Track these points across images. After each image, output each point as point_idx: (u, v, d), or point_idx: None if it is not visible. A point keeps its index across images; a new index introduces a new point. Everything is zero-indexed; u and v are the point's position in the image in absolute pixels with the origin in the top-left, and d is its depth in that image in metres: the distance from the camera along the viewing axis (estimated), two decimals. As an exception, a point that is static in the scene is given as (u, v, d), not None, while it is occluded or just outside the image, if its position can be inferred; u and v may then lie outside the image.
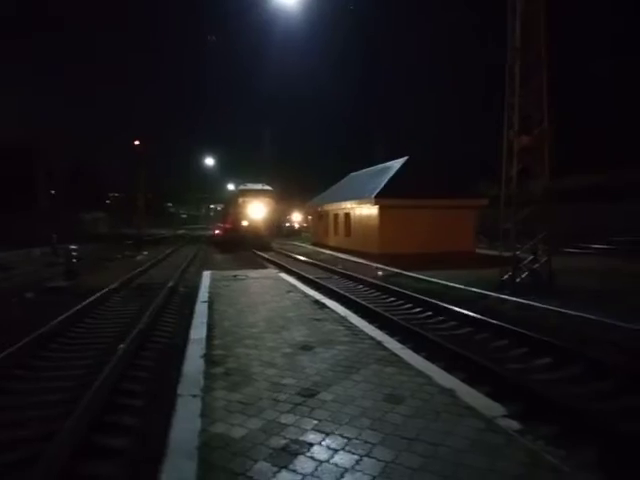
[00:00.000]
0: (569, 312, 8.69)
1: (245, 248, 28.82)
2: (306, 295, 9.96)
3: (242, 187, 34.92)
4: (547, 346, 6.90)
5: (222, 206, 53.54)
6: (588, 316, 8.27)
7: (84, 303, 10.39)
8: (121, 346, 7.01)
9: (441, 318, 9.42)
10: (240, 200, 33.26)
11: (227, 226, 35.56)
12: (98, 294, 11.62)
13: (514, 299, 10.33)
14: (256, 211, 32.68)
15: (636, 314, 8.06)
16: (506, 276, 11.52)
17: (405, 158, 25.69)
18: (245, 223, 32.30)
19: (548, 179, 11.45)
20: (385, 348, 5.74)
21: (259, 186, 34.48)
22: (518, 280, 11.41)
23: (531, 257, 11.67)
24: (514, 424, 3.60)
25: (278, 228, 42.10)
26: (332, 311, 8.15)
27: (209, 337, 6.31)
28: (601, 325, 7.89)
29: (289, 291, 10.47)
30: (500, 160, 11.85)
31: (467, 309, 9.34)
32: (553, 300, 9.76)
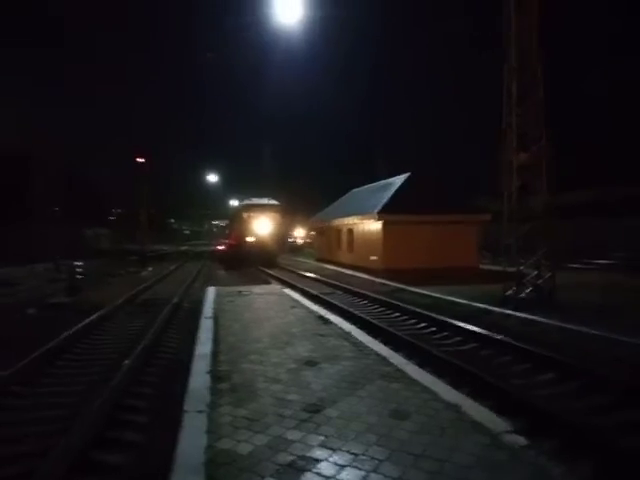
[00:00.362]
0: (573, 328, 8.69)
1: (250, 265, 27.53)
2: (310, 311, 9.99)
3: (247, 202, 33.17)
4: (551, 362, 6.90)
5: (226, 222, 52.06)
6: (592, 332, 8.27)
7: (88, 320, 10.41)
8: (126, 362, 7.03)
9: (446, 334, 9.42)
10: (245, 215, 31.51)
11: (232, 242, 33.77)
12: (102, 310, 11.65)
13: (518, 314, 10.32)
14: (262, 226, 30.92)
15: (638, 329, 8.07)
16: (510, 291, 11.54)
17: (407, 174, 25.84)
18: (251, 239, 30.45)
19: (547, 195, 11.53)
20: (390, 364, 5.76)
21: (265, 200, 32.78)
22: (522, 295, 11.42)
23: (535, 273, 11.69)
24: (519, 439, 3.63)
25: (284, 244, 40.70)
26: (336, 326, 8.18)
27: (214, 353, 6.34)
28: (604, 340, 7.88)
29: (293, 307, 10.50)
30: (501, 176, 11.94)
31: (471, 324, 9.35)
32: (557, 315, 9.76)
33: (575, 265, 20.44)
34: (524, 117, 11.53)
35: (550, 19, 12.15)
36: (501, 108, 11.89)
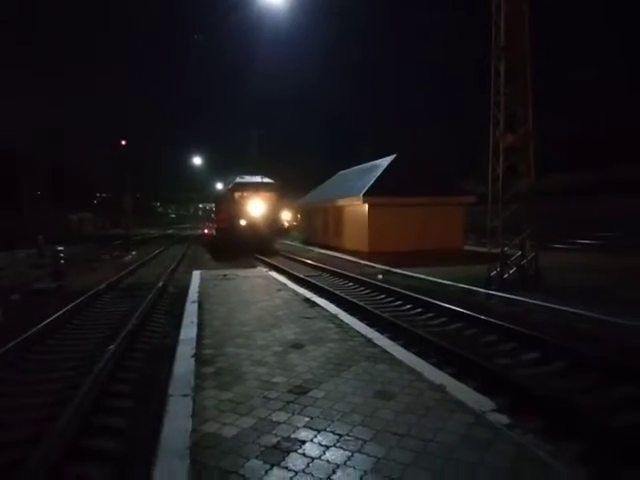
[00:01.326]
0: (555, 307, 8.81)
1: (243, 252, 24.46)
2: (296, 293, 9.97)
3: (239, 180, 28.76)
4: (535, 341, 6.99)
5: (213, 204, 46.82)
6: (574, 310, 8.39)
7: (72, 305, 10.30)
8: (110, 347, 6.97)
9: (431, 314, 9.49)
10: (237, 195, 27.62)
11: (221, 226, 30.84)
12: (86, 295, 11.53)
13: (502, 295, 10.43)
14: (256, 208, 27.34)
15: (618, 308, 8.21)
16: (494, 272, 11.63)
17: (393, 156, 25.80)
18: (243, 222, 26.92)
19: (534, 177, 11.58)
20: (375, 345, 5.78)
21: (258, 178, 28.85)
22: (506, 276, 11.52)
23: (518, 253, 11.79)
24: (503, 418, 3.66)
25: (280, 228, 35.22)
26: (322, 309, 8.18)
27: (199, 337, 6.31)
28: (586, 319, 8.00)
29: (279, 289, 10.48)
30: (487, 158, 11.95)
31: (456, 305, 9.42)
32: (540, 295, 9.88)
33: (560, 246, 20.66)
34: (511, 97, 11.50)
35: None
36: (489, 90, 11.84)
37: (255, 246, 25.39)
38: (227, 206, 28.79)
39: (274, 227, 28.39)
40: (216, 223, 34.53)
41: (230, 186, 28.79)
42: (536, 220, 11.74)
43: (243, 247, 25.06)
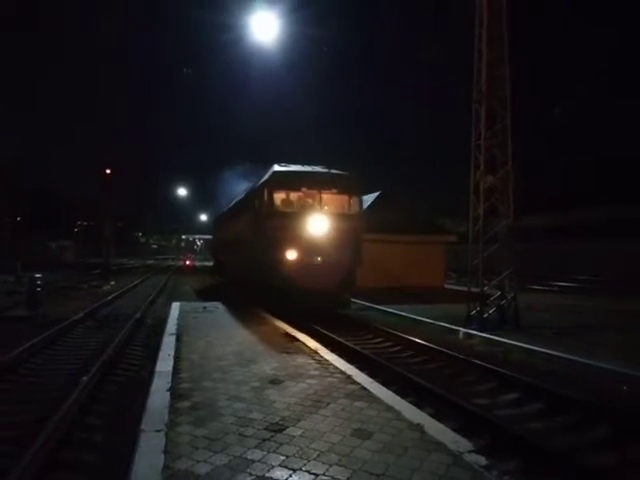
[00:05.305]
0: (534, 348, 8.85)
1: (302, 306, 11.95)
2: (276, 327, 9.90)
3: (281, 169, 13.53)
4: (513, 381, 7.00)
5: (218, 219, 27.03)
6: (552, 352, 8.44)
7: (46, 334, 10.04)
8: (83, 379, 6.79)
9: (410, 352, 9.46)
10: (278, 198, 12.93)
11: (237, 260, 17.44)
12: (61, 325, 11.26)
13: (482, 334, 10.47)
14: (324, 226, 12.44)
15: (594, 349, 8.32)
16: (474, 311, 11.70)
17: (377, 193, 26.14)
18: (293, 256, 12.15)
19: (512, 218, 11.83)
20: (354, 382, 5.74)
21: (320, 169, 13.80)
22: (485, 315, 11.60)
23: (498, 293, 11.91)
24: (481, 459, 3.64)
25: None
26: (303, 344, 8.12)
27: (176, 370, 6.19)
28: (564, 362, 8.05)
29: (259, 324, 10.38)
30: (468, 199, 12.20)
31: (436, 344, 9.42)
32: (519, 336, 9.95)
33: (538, 287, 20.94)
34: (491, 141, 11.86)
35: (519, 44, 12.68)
36: (470, 133, 12.20)
37: (324, 295, 12.12)
38: (252, 222, 14.30)
39: (355, 264, 13.16)
40: (224, 253, 21.14)
41: (265, 179, 13.49)
42: (515, 260, 11.93)
43: (291, 302, 11.97)
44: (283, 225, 12.06)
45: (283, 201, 12.81)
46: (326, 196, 12.88)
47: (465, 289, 12.10)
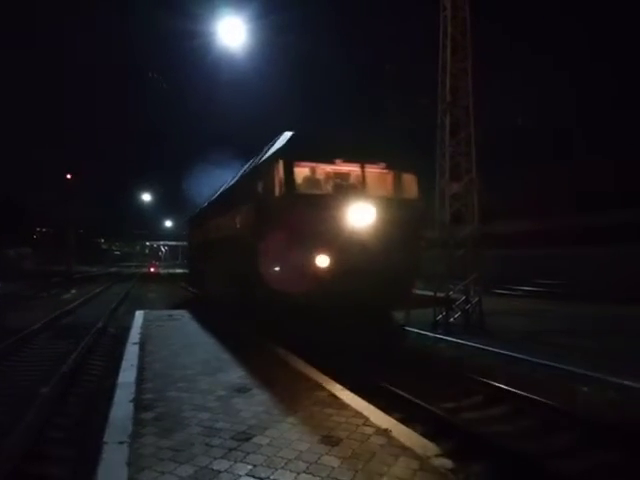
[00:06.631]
0: (497, 351, 9.04)
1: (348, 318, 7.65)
2: (248, 335, 9.78)
3: (303, 132, 8.92)
4: (478, 385, 7.13)
5: (196, 216, 21.63)
6: (515, 355, 8.63)
7: (3, 345, 9.66)
8: (43, 390, 6.55)
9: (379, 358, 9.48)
10: (300, 176, 8.30)
11: (241, 268, 11.00)
12: (19, 335, 10.85)
13: (448, 338, 10.62)
14: (374, 216, 8.03)
15: (556, 352, 8.57)
16: (440, 316, 11.87)
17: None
18: (323, 262, 7.80)
19: (477, 224, 12.11)
20: (324, 389, 5.72)
21: (353, 139, 8.89)
22: (451, 320, 11.78)
23: (463, 298, 12.13)
24: (447, 463, 3.68)
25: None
26: (272, 351, 8.04)
27: (139, 380, 6.04)
28: (526, 364, 8.25)
29: (228, 331, 10.24)
30: (434, 205, 12.42)
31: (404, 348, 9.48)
32: (483, 339, 10.14)
33: (503, 292, 21.40)
34: (456, 149, 12.12)
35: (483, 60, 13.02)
36: (434, 141, 12.46)
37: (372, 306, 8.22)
38: (255, 215, 10.06)
39: (413, 273, 9.09)
40: (206, 259, 17.17)
41: (280, 147, 8.92)
42: (481, 266, 12.20)
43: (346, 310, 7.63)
44: (308, 215, 7.93)
45: (307, 180, 8.48)
46: (372, 173, 8.70)
47: (432, 294, 12.27)
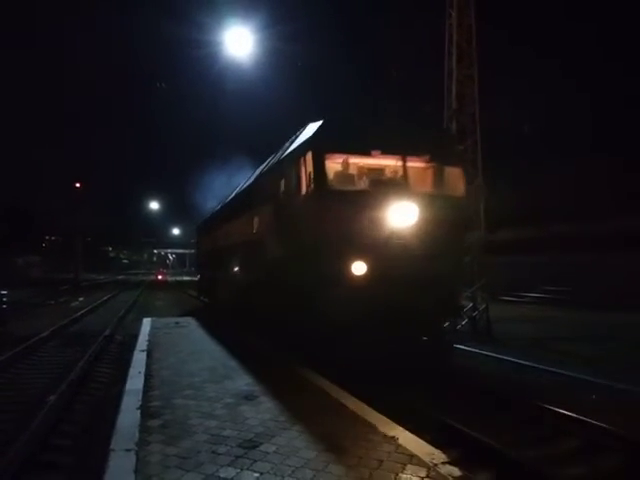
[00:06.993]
0: (506, 358, 8.99)
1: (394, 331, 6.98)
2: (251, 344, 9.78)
3: (335, 119, 7.72)
4: (486, 392, 7.08)
5: (207, 220, 20.63)
6: (524, 362, 8.58)
7: (11, 352, 9.71)
8: (51, 398, 6.58)
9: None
10: (333, 164, 7.21)
11: (263, 275, 10.21)
12: (28, 342, 10.91)
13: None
14: (418, 216, 7.01)
15: (564, 359, 8.50)
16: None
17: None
18: (360, 269, 6.85)
19: (483, 231, 12.08)
20: (330, 396, 5.70)
21: (409, 122, 7.86)
22: (458, 327, 11.73)
23: (470, 305, 12.08)
24: (455, 470, 3.65)
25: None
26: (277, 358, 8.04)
27: (146, 387, 6.05)
28: (535, 372, 8.20)
29: (236, 339, 10.25)
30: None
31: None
32: (491, 347, 10.08)
33: (510, 298, 21.28)
34: (464, 156, 12.15)
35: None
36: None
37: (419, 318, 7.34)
38: (278, 215, 9.01)
39: (460, 279, 9.03)
40: (219, 266, 15.94)
41: (310, 137, 7.54)
42: (488, 272, 12.15)
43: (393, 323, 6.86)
44: (342, 214, 6.89)
45: (340, 174, 7.36)
46: (416, 166, 7.66)
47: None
